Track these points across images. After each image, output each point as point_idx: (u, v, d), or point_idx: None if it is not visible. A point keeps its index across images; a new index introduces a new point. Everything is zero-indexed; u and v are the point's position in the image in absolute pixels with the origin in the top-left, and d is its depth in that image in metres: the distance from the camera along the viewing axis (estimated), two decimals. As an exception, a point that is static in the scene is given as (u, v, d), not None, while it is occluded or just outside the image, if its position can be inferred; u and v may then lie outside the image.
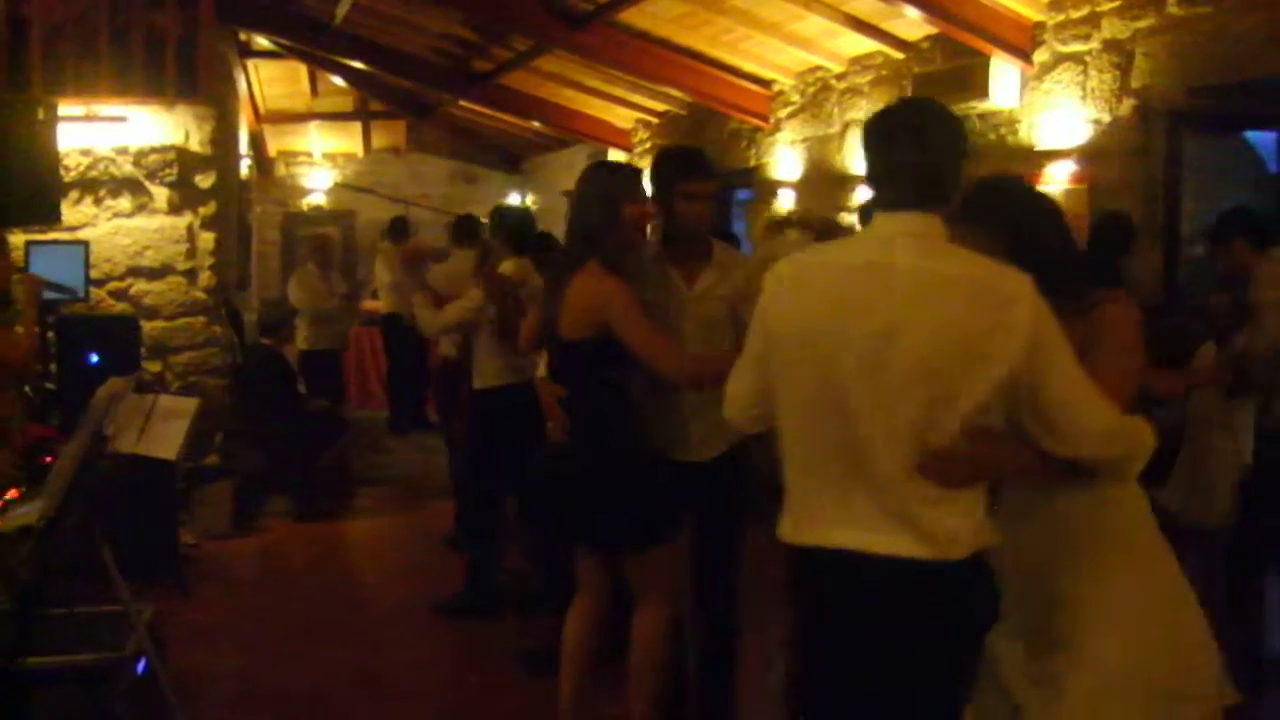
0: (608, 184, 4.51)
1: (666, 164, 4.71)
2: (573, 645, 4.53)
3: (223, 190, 9.84)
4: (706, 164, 4.73)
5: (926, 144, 2.93)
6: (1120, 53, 7.46)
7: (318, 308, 11.05)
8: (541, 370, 4.83)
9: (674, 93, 12.12)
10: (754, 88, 11.41)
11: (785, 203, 11.10)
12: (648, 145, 14.49)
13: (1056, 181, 7.80)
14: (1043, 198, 3.48)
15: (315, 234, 13.16)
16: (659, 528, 4.41)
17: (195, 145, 9.27)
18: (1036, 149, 8.02)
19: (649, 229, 4.76)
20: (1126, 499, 3.13)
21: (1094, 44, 7.66)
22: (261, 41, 14.36)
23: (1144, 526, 3.16)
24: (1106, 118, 7.57)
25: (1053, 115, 7.93)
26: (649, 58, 10.92)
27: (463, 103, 15.19)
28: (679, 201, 4.56)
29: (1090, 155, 7.64)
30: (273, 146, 18.04)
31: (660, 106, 13.55)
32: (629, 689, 4.44)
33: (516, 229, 7.17)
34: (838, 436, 2.78)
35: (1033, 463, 2.83)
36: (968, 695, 2.93)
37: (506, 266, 6.69)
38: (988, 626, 2.85)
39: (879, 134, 2.98)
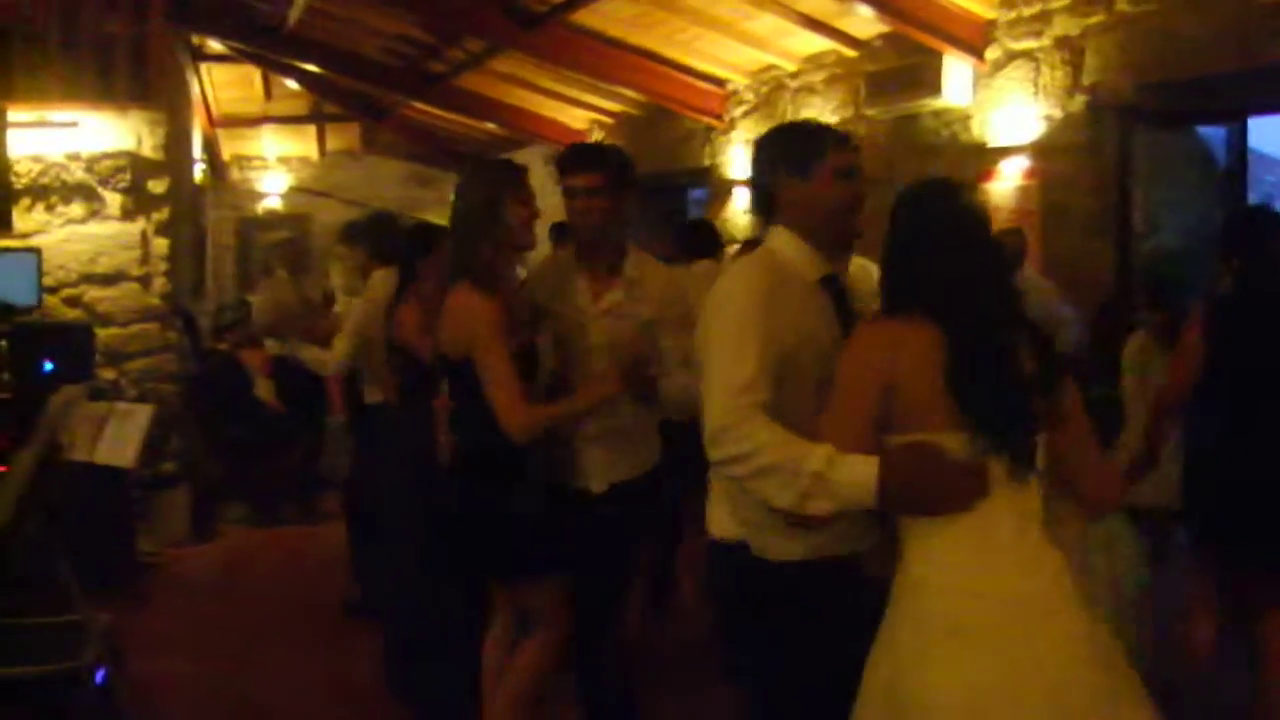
0: (489, 182, 4.18)
1: (557, 160, 4.46)
2: (494, 672, 4.31)
3: (176, 195, 9.77)
4: (589, 156, 4.45)
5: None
6: (1071, 49, 7.53)
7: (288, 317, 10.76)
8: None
9: (628, 93, 12.12)
10: (708, 87, 11.43)
11: (739, 202, 11.14)
12: (603, 145, 14.49)
13: (1009, 177, 7.86)
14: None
15: (285, 238, 12.98)
16: (533, 562, 4.12)
17: (148, 150, 9.21)
18: (989, 145, 8.08)
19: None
20: (932, 577, 2.82)
21: (1045, 41, 7.72)
22: (214, 45, 14.23)
23: (968, 610, 2.77)
24: (1058, 114, 7.64)
25: (1005, 112, 7.99)
26: (603, 58, 10.92)
27: (417, 105, 15.13)
28: (565, 199, 4.29)
29: (1042, 151, 7.71)
30: (227, 150, 17.91)
31: (615, 107, 13.54)
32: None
33: (381, 236, 6.88)
34: None
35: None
36: None
37: (375, 278, 6.42)
38: None
39: None
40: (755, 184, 3.36)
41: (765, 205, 3.31)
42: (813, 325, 3.11)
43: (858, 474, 2.74)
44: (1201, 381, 4.59)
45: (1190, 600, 4.92)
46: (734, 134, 11.40)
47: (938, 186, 3.19)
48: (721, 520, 3.31)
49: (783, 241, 3.22)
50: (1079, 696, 2.70)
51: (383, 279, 6.50)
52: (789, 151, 3.23)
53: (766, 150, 3.30)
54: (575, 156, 4.43)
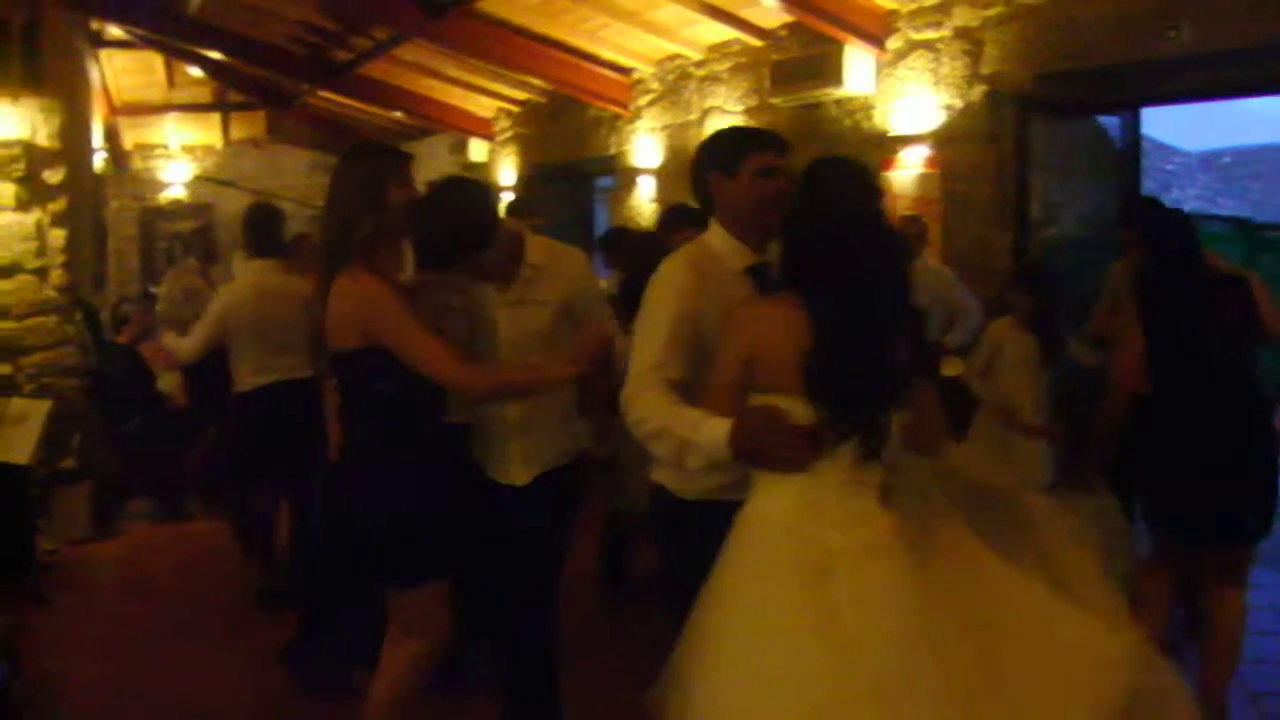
0: (369, 166, 4.07)
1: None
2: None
3: (74, 185, 9.60)
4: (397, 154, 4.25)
5: None
6: (971, 40, 7.63)
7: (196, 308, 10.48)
8: None
9: (534, 81, 12.12)
10: (613, 75, 11.45)
11: (645, 191, 11.17)
12: (510, 134, 14.46)
13: (910, 166, 7.95)
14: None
15: (196, 227, 12.71)
16: (408, 565, 3.96)
17: (43, 139, 9.01)
18: (890, 134, 8.17)
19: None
20: (759, 515, 3.17)
21: (946, 31, 7.81)
22: (114, 31, 13.99)
23: (778, 546, 3.08)
24: (958, 103, 7.74)
25: (906, 101, 8.08)
26: (509, 46, 10.89)
27: (323, 93, 15.00)
28: None
29: (942, 140, 7.81)
30: (128, 139, 17.67)
31: (521, 95, 13.52)
32: None
33: (258, 229, 6.90)
34: None
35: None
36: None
37: (242, 269, 6.50)
38: None
39: None
40: (694, 183, 3.68)
41: (704, 203, 3.68)
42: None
43: (716, 435, 3.08)
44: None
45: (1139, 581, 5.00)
46: (639, 123, 11.43)
47: (830, 170, 3.67)
48: (656, 468, 3.71)
49: (715, 235, 3.63)
50: (873, 648, 2.90)
51: (256, 270, 6.51)
52: (718, 153, 3.61)
53: (702, 152, 3.67)
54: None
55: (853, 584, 2.97)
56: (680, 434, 3.17)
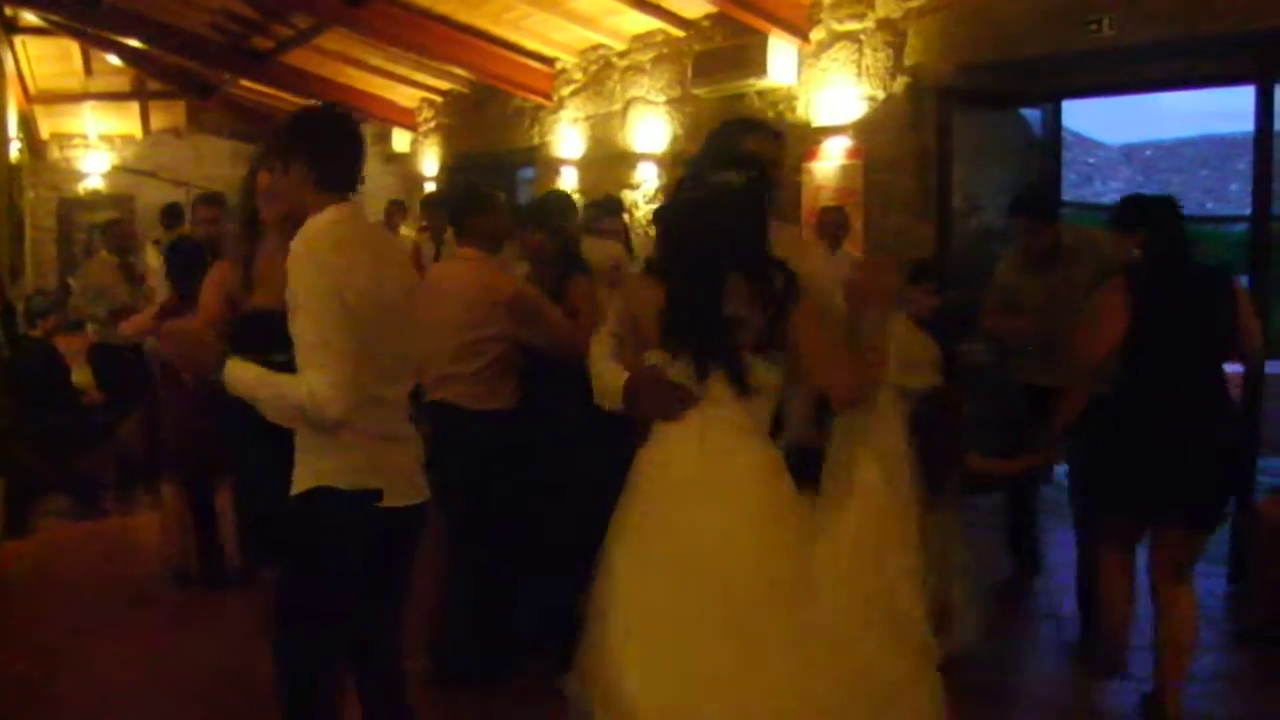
0: (257, 154, 4.25)
1: None
2: None
3: (-14, 176, 9.42)
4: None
5: None
6: (894, 32, 7.66)
7: (110, 303, 10.25)
8: None
9: (457, 71, 12.06)
10: (537, 65, 11.39)
11: (568, 181, 11.13)
12: (433, 124, 14.37)
13: (832, 156, 7.97)
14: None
15: (112, 219, 12.41)
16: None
17: (-47, 129, 8.84)
18: (813, 125, 8.18)
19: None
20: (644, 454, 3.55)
21: (868, 23, 7.84)
22: (29, 17, 13.76)
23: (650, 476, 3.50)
24: (881, 94, 7.76)
25: (829, 92, 8.09)
26: (431, 35, 10.82)
27: (244, 82, 14.83)
28: None
29: (865, 130, 7.83)
30: (45, 128, 17.39)
31: (444, 85, 13.45)
32: None
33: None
34: None
35: None
36: None
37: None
38: None
39: None
40: None
41: None
42: None
43: (617, 385, 3.53)
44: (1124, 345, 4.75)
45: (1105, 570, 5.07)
46: (563, 113, 11.38)
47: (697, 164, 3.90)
48: None
49: None
50: (717, 558, 3.30)
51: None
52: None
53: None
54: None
55: (700, 512, 3.35)
56: (606, 381, 3.63)
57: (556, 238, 5.77)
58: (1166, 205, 5.07)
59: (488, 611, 5.28)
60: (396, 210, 12.32)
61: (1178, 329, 4.72)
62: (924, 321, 5.54)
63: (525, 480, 5.16)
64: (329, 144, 3.58)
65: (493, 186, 7.68)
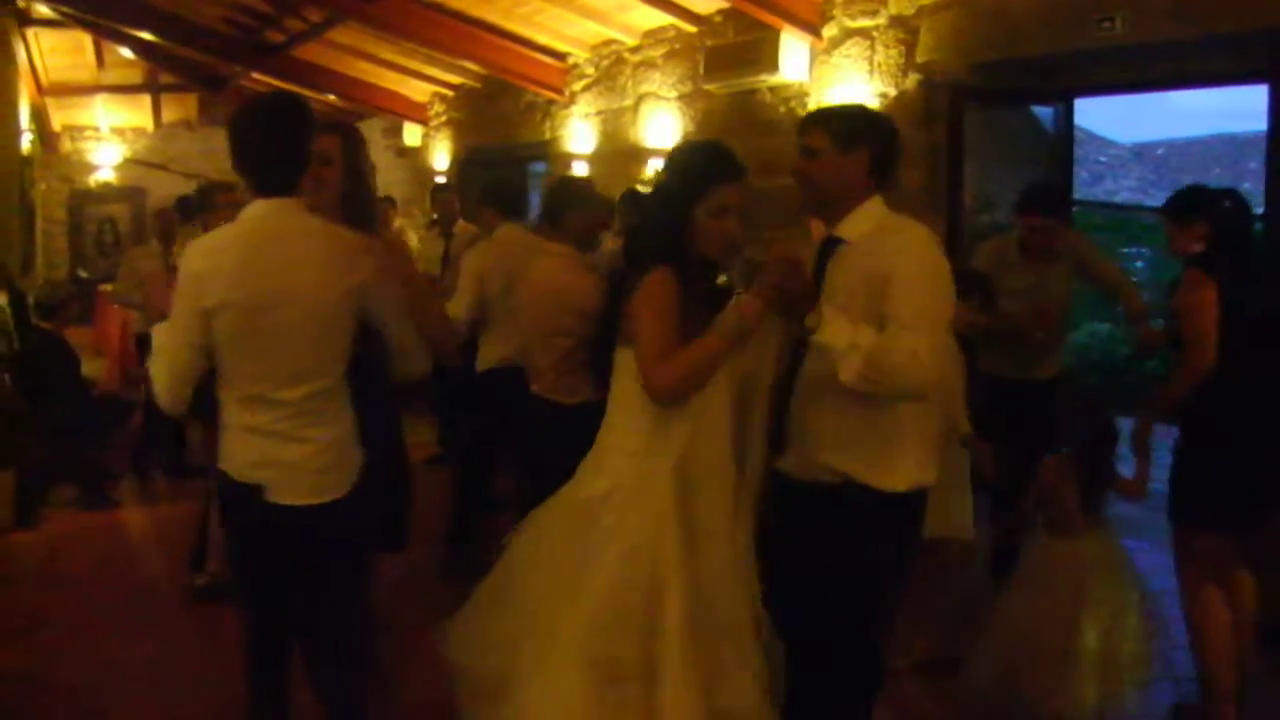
0: None
1: None
2: None
3: (-1, 167, 9.42)
4: None
5: None
6: (906, 29, 7.62)
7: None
8: None
9: (469, 65, 12.05)
10: (548, 60, 11.38)
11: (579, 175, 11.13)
12: (444, 118, 14.37)
13: (844, 154, 7.92)
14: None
15: (163, 208, 12.17)
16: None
17: (-35, 120, 8.84)
18: (825, 122, 8.13)
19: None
20: None
21: (881, 20, 7.81)
22: (42, 9, 13.75)
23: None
24: (893, 91, 7.73)
25: (841, 89, 8.06)
26: (443, 30, 10.81)
27: (256, 75, 14.81)
28: None
29: (876, 128, 7.79)
30: (57, 120, 17.40)
31: (456, 79, 13.44)
32: None
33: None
34: None
35: None
36: None
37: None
38: None
39: None
40: None
41: None
42: None
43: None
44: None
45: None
46: (574, 108, 11.38)
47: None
48: None
49: None
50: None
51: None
52: None
53: None
54: None
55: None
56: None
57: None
58: (1233, 197, 4.93)
59: None
60: (389, 206, 12.34)
61: (1258, 326, 4.66)
62: (962, 339, 4.96)
63: None
64: (248, 141, 3.66)
65: (506, 180, 7.68)
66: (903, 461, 3.63)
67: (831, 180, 3.66)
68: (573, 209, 5.61)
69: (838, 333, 3.40)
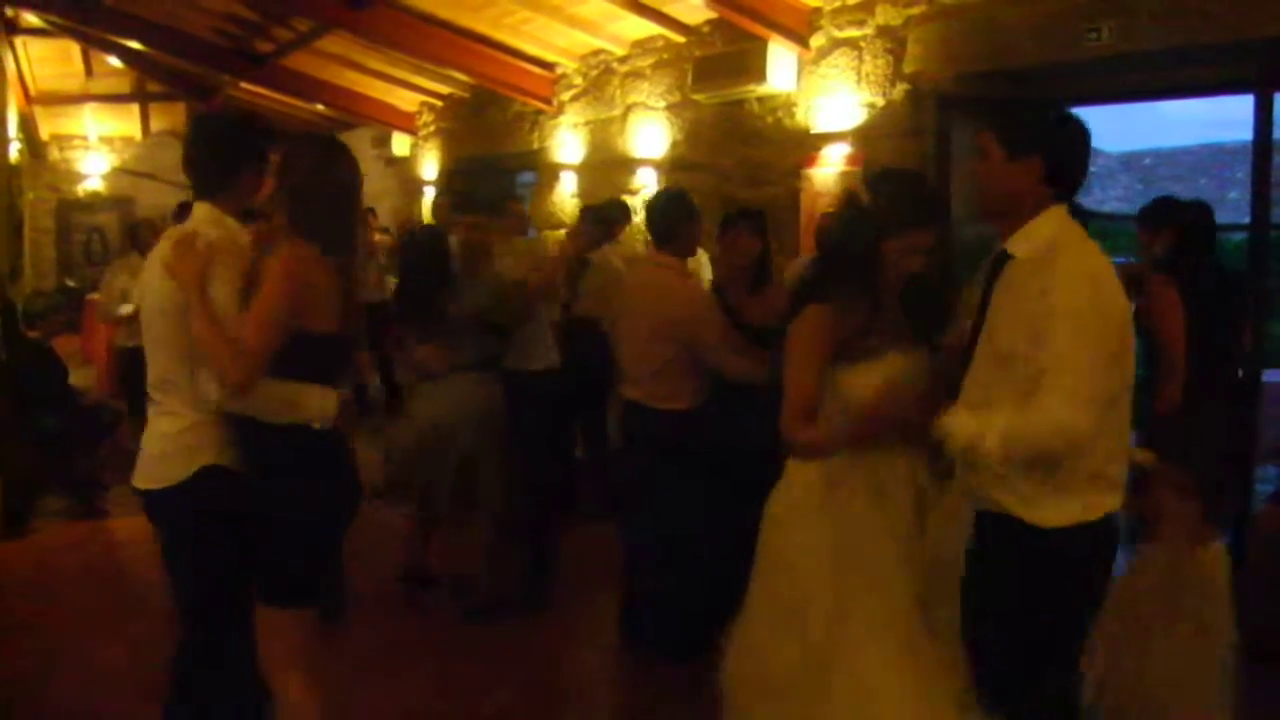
0: None
1: None
2: None
3: (-15, 176, 9.40)
4: None
5: None
6: (893, 39, 7.64)
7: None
8: None
9: (457, 75, 12.05)
10: (537, 70, 11.39)
11: (567, 186, 11.15)
12: (432, 128, 14.38)
13: (832, 163, 7.96)
14: None
15: (143, 219, 12.15)
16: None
17: (-47, 130, 8.82)
18: (812, 131, 8.16)
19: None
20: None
21: (868, 30, 7.82)
22: (30, 18, 13.76)
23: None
24: (880, 101, 7.75)
25: (828, 99, 8.08)
26: (431, 40, 10.83)
27: (245, 85, 14.83)
28: None
29: (864, 137, 7.81)
30: (45, 129, 17.38)
31: (444, 89, 13.46)
32: None
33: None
34: None
35: None
36: None
37: None
38: None
39: None
40: None
41: None
42: None
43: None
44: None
45: None
46: (562, 118, 11.39)
47: None
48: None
49: None
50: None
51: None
52: None
53: None
54: None
55: None
56: None
57: None
58: (1200, 208, 5.15)
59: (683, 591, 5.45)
60: (368, 214, 12.44)
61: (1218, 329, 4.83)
62: None
63: (709, 479, 5.32)
64: (198, 147, 3.90)
65: (501, 191, 7.75)
66: (1061, 497, 3.30)
67: (997, 188, 3.42)
68: (689, 223, 5.69)
69: (963, 428, 3.26)
